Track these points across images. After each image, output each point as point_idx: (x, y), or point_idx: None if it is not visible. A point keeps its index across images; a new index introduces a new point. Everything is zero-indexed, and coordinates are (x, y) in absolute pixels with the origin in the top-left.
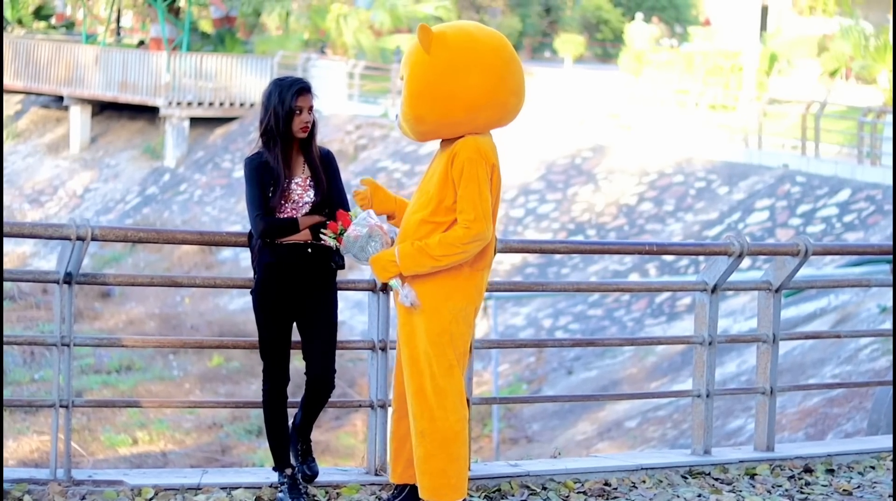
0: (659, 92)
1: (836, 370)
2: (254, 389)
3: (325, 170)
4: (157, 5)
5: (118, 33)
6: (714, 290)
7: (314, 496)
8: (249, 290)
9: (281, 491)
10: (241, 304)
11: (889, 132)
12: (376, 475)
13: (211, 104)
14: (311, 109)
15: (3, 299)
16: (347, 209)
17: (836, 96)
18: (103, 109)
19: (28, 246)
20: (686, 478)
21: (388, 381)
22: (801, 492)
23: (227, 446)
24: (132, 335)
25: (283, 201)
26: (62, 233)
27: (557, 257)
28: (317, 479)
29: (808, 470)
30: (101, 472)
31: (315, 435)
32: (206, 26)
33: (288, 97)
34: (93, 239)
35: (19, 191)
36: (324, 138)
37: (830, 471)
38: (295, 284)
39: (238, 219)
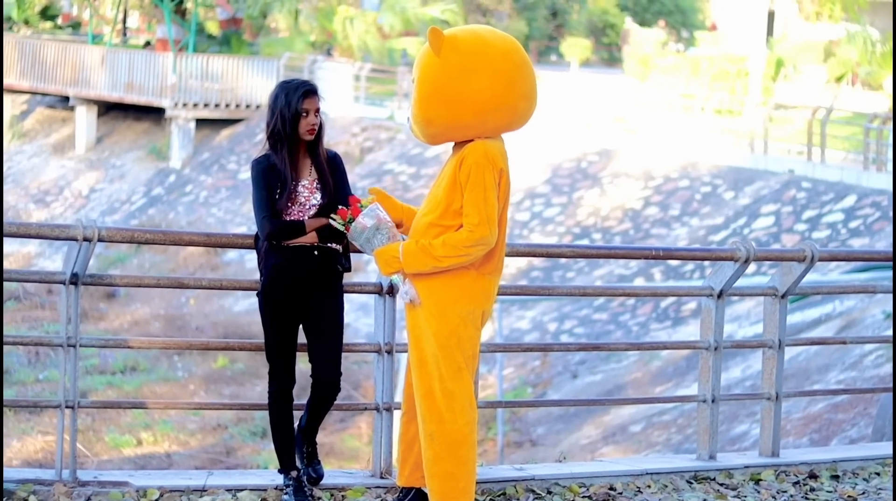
0: (665, 96)
1: (841, 375)
2: (258, 390)
3: (333, 172)
4: (164, 6)
5: (124, 34)
6: (720, 295)
7: (319, 498)
8: (255, 292)
9: (286, 493)
10: (246, 305)
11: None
12: (381, 477)
13: (217, 106)
14: (317, 111)
15: (3, 299)
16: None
17: (842, 102)
18: (109, 109)
19: (33, 246)
20: (691, 483)
21: (393, 384)
22: (806, 498)
23: (231, 447)
24: (137, 336)
25: (289, 204)
26: (69, 234)
27: (563, 261)
28: (322, 481)
29: (812, 476)
30: (106, 473)
31: (320, 438)
32: (213, 27)
33: (294, 100)
34: (99, 240)
35: (25, 191)
36: (329, 140)
37: (835, 477)
38: (301, 286)
39: (243, 221)
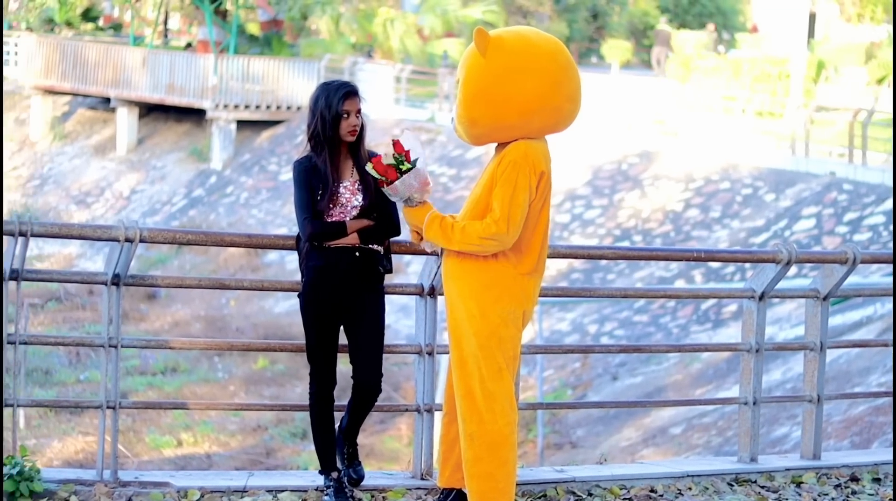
0: (706, 98)
1: (883, 378)
2: (298, 392)
3: None
4: (205, 8)
5: (165, 35)
6: (762, 297)
7: (360, 499)
8: (297, 293)
9: (327, 495)
10: (286, 307)
11: None
12: (422, 479)
13: (258, 107)
14: (358, 112)
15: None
16: (395, 215)
17: (883, 104)
18: (150, 110)
19: (75, 247)
20: (732, 486)
21: (434, 385)
22: None
23: (271, 449)
24: (178, 336)
25: (331, 205)
26: (111, 234)
27: (603, 262)
28: (363, 483)
29: (854, 479)
30: (147, 473)
31: (360, 439)
32: (254, 29)
33: (335, 101)
34: (141, 241)
35: (66, 192)
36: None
37: (877, 480)
38: (342, 287)
39: (284, 222)
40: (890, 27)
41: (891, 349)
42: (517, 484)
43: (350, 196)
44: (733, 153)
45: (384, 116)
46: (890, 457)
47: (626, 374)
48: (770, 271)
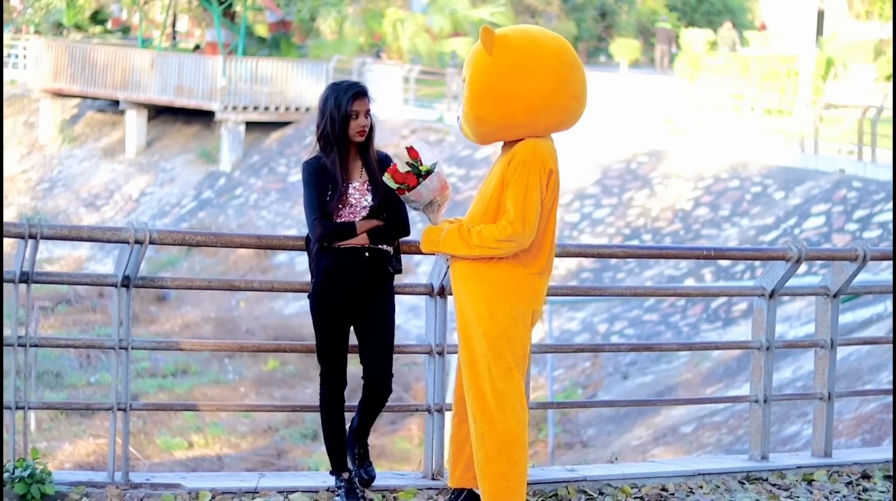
0: (714, 97)
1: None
2: (309, 393)
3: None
4: (213, 10)
5: (174, 38)
6: (772, 295)
7: (371, 500)
8: (306, 294)
9: (338, 495)
10: (296, 308)
11: None
12: (433, 479)
13: (266, 108)
14: (367, 113)
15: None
16: (404, 215)
17: (892, 101)
18: (159, 113)
19: (84, 250)
20: (743, 484)
21: (445, 385)
22: (859, 498)
23: (282, 450)
24: (188, 338)
25: (340, 206)
26: (121, 236)
27: (613, 261)
28: (374, 483)
29: (865, 476)
30: (158, 475)
31: (371, 440)
32: (262, 31)
33: (344, 101)
34: (151, 243)
35: (76, 195)
36: (379, 142)
37: (888, 477)
38: (352, 288)
39: (293, 223)
40: None
41: None
42: (528, 484)
43: (359, 197)
44: (742, 151)
45: (393, 116)
46: None
47: (636, 373)
48: (780, 268)
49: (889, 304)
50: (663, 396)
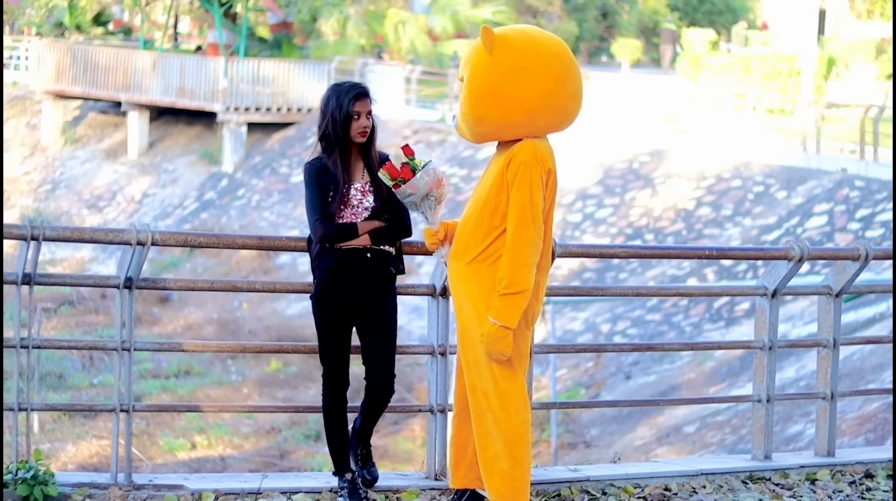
0: (716, 96)
1: None
2: (312, 393)
3: None
4: (215, 11)
5: (175, 39)
6: (774, 294)
7: (374, 500)
8: (309, 295)
9: (341, 496)
10: (298, 309)
11: None
12: (436, 479)
13: (268, 109)
14: (369, 113)
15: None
16: (406, 216)
17: (893, 100)
18: (161, 114)
19: (87, 251)
20: (747, 483)
21: (447, 386)
22: (863, 498)
23: (285, 450)
24: (191, 340)
25: (342, 206)
26: (123, 238)
27: (615, 261)
28: (377, 484)
29: (869, 476)
30: (161, 476)
31: (374, 440)
32: (264, 32)
33: (346, 102)
34: (153, 244)
35: (78, 196)
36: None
37: (891, 477)
38: (354, 288)
39: (295, 224)
40: None
41: None
42: (531, 484)
43: (361, 197)
44: (745, 151)
45: (395, 117)
46: None
47: (639, 373)
48: (782, 268)
49: (891, 303)
50: (666, 396)
